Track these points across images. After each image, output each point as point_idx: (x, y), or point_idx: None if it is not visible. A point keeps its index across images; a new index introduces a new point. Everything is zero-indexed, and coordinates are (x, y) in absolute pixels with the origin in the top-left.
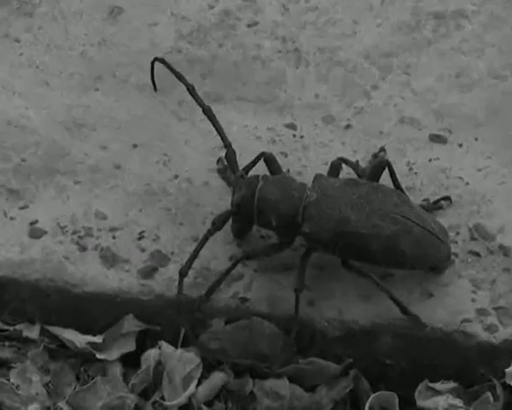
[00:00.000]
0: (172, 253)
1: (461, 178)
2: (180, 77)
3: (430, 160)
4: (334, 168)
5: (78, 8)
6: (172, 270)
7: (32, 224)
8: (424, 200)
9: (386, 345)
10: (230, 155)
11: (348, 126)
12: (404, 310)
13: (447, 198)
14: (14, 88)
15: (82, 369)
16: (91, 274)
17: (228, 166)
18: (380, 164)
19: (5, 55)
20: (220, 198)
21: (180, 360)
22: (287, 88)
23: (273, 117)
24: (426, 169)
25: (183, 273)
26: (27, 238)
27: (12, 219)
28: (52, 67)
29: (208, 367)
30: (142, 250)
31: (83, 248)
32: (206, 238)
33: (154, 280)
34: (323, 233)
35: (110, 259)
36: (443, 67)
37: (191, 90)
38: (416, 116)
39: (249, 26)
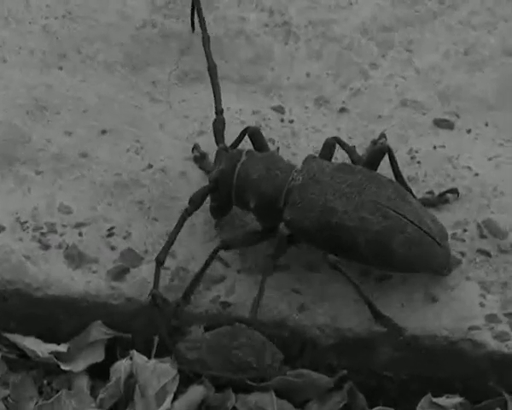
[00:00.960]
0: (146, 251)
1: (469, 167)
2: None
3: (435, 147)
4: (327, 149)
5: None
6: (145, 271)
7: None
8: (428, 192)
9: (384, 355)
10: (218, 124)
11: (343, 110)
12: (376, 314)
13: (454, 190)
14: None
15: (45, 381)
16: (55, 275)
17: (202, 157)
18: (379, 150)
19: None
20: None
21: (154, 372)
22: (274, 66)
23: (259, 99)
24: (430, 158)
25: (159, 261)
26: None
27: None
28: (10, 42)
29: (185, 380)
30: (112, 249)
31: (45, 247)
32: (183, 219)
33: (125, 282)
34: (306, 222)
35: (76, 258)
36: (449, 42)
37: (206, 39)
38: (420, 98)
39: None
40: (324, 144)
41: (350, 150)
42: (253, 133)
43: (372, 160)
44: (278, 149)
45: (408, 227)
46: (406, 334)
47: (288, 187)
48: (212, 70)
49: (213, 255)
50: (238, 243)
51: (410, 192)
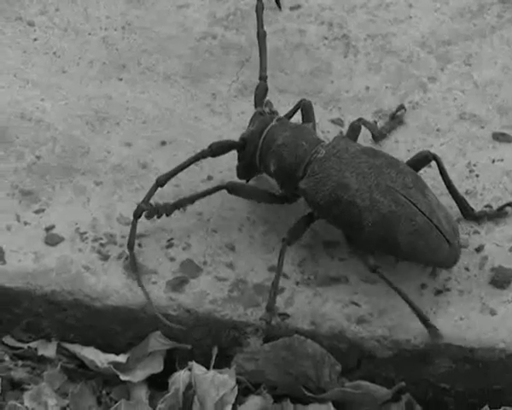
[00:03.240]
0: (204, 263)
1: None
2: None
3: (493, 161)
4: (353, 130)
5: None
6: (204, 282)
7: (47, 229)
8: (486, 206)
9: (441, 368)
10: (260, 89)
11: (401, 122)
12: (420, 316)
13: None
14: (28, 77)
15: (104, 392)
16: (114, 286)
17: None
18: (425, 158)
19: (17, 41)
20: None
21: (213, 383)
22: (333, 79)
23: (318, 111)
24: (488, 171)
25: (159, 183)
26: (43, 246)
27: (26, 224)
28: (70, 53)
29: (244, 391)
30: (171, 260)
31: (105, 258)
32: (196, 158)
33: (183, 293)
34: (319, 194)
35: (135, 268)
36: (508, 57)
37: (259, 7)
38: (478, 112)
39: (292, 9)
40: (350, 126)
41: (372, 127)
42: (305, 106)
43: (416, 165)
44: (315, 123)
45: (417, 217)
46: (441, 341)
47: (310, 158)
48: (261, 37)
49: (214, 190)
50: (245, 192)
51: (463, 201)
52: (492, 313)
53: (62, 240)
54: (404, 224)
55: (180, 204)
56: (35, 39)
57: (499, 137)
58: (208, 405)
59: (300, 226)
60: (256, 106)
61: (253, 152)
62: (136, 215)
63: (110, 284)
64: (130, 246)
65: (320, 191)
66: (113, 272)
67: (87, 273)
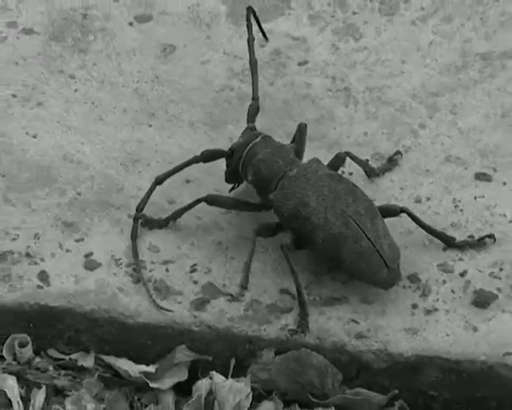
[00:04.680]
0: (224, 285)
1: (505, 215)
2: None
3: (475, 197)
4: (337, 158)
5: (131, 45)
6: (223, 302)
7: (86, 256)
8: (469, 236)
9: (430, 377)
10: (253, 108)
11: (395, 164)
12: (301, 302)
13: (491, 236)
14: (70, 123)
15: (135, 397)
16: (145, 306)
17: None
18: (394, 211)
19: (60, 91)
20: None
21: (230, 390)
22: (336, 126)
23: (322, 154)
24: (471, 206)
25: (158, 181)
26: (82, 270)
27: (68, 251)
28: (106, 103)
29: (258, 397)
30: (195, 283)
31: (136, 281)
32: (190, 162)
33: (205, 312)
34: (284, 207)
35: (163, 291)
36: (489, 106)
37: (251, 40)
38: (462, 155)
39: (300, 64)
40: (336, 156)
41: (362, 163)
42: (300, 128)
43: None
44: (303, 145)
45: (363, 241)
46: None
47: (283, 175)
48: (252, 64)
49: (195, 204)
50: (223, 202)
51: (442, 235)
52: (475, 329)
53: (100, 265)
54: (349, 245)
55: (171, 218)
56: (75, 90)
57: (480, 176)
58: (227, 409)
59: (271, 227)
60: (248, 122)
61: (237, 161)
62: (136, 217)
63: (141, 304)
64: (133, 238)
65: (285, 205)
66: (143, 293)
67: (121, 294)
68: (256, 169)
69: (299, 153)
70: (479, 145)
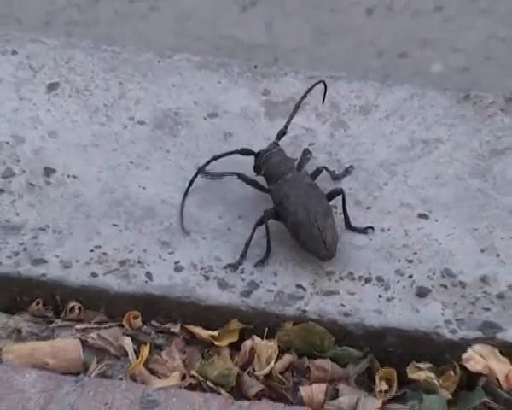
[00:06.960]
0: (261, 281)
1: (436, 239)
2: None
3: (418, 229)
4: (317, 171)
5: (204, 132)
6: (261, 292)
7: (176, 263)
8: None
9: (389, 341)
10: (281, 132)
11: (368, 207)
12: (244, 251)
13: (372, 228)
14: (166, 180)
15: (206, 351)
16: (212, 294)
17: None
18: (335, 191)
19: (161, 161)
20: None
21: (265, 347)
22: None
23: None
24: (416, 234)
25: (199, 170)
26: (173, 272)
27: (164, 260)
28: (186, 167)
29: (282, 352)
30: (243, 280)
31: (207, 278)
32: (231, 153)
33: (249, 298)
34: (277, 196)
35: (223, 285)
36: (428, 172)
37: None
38: (411, 202)
39: (309, 145)
40: (316, 168)
41: (332, 174)
42: (304, 152)
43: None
44: (304, 164)
45: (314, 229)
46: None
47: (282, 176)
48: (295, 107)
49: (230, 174)
50: (247, 179)
51: (346, 219)
52: (417, 311)
53: (183, 269)
54: (306, 229)
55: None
56: (170, 160)
57: (422, 216)
58: (262, 358)
59: (271, 211)
60: (275, 139)
61: (260, 160)
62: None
63: (210, 293)
64: (181, 206)
65: (277, 194)
66: (210, 287)
67: (197, 287)
68: (267, 168)
69: (299, 166)
70: (421, 196)
